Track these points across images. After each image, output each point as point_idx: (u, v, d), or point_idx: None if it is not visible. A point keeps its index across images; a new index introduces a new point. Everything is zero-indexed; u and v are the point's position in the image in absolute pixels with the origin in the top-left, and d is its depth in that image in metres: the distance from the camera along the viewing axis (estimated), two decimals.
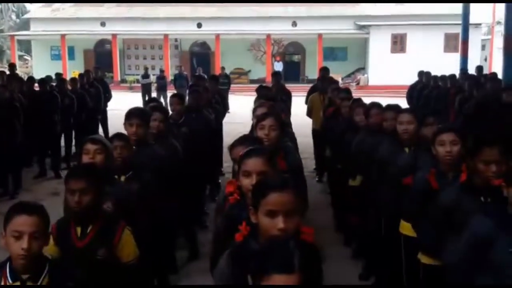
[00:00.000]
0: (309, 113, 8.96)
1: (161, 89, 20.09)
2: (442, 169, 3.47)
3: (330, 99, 7.58)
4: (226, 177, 8.76)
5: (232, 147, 3.15)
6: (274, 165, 2.64)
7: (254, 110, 4.57)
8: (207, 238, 5.95)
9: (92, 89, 11.44)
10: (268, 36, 29.85)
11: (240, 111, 17.52)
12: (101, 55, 32.15)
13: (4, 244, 2.30)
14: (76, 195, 2.76)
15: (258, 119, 3.77)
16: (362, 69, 30.62)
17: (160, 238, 4.13)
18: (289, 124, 5.21)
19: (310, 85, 11.39)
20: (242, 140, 3.17)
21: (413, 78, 13.41)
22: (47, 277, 2.30)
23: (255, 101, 5.78)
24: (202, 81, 8.66)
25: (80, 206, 2.77)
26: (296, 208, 2.00)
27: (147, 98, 19.68)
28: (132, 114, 4.27)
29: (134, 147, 4.04)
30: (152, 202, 3.79)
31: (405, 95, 13.12)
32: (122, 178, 3.71)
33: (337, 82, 9.63)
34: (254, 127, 3.92)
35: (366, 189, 4.88)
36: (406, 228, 3.80)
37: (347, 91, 6.95)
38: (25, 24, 36.85)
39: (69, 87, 10.95)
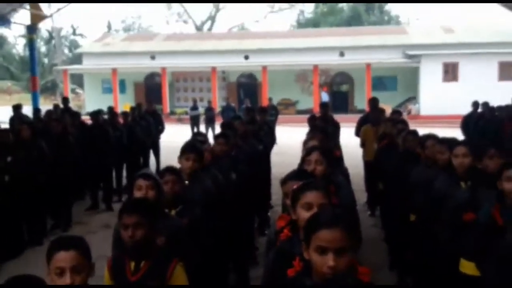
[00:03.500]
0: (363, 145, 8.80)
1: (209, 120, 20.33)
2: (508, 205, 3.28)
3: (384, 130, 7.43)
4: (274, 210, 8.66)
5: (284, 181, 3.10)
6: (328, 199, 2.58)
7: (305, 142, 4.50)
8: (257, 273, 5.87)
9: (143, 122, 11.64)
10: (315, 66, 29.89)
11: (287, 142, 17.49)
12: (151, 88, 32.95)
13: (50, 282, 2.29)
14: (130, 230, 2.78)
15: (305, 153, 3.73)
16: (413, 98, 30.12)
17: (211, 273, 4.07)
18: (341, 158, 5.11)
19: (359, 115, 11.24)
20: (294, 175, 3.12)
21: (466, 108, 13.05)
22: None
23: (308, 133, 5.70)
24: (252, 113, 8.68)
25: (133, 240, 2.77)
26: (348, 246, 1.96)
27: (195, 129, 20.01)
28: (188, 149, 4.30)
29: (186, 181, 4.04)
30: (202, 237, 3.76)
31: (458, 125, 12.76)
32: (173, 212, 3.69)
33: (398, 112, 9.38)
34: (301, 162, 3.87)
35: (422, 225, 4.69)
36: (467, 267, 3.60)
37: (403, 122, 6.80)
38: (77, 58, 38.31)
39: (121, 120, 11.22)
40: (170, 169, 3.85)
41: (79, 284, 2.26)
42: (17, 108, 11.41)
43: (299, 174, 3.17)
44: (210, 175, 4.61)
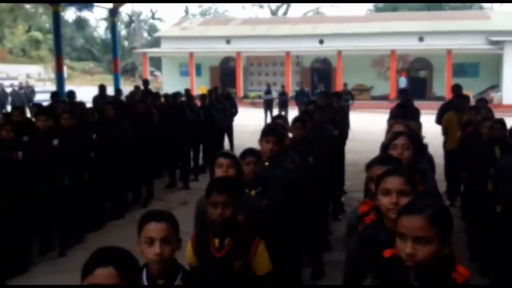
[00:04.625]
0: (445, 133, 8.51)
1: (283, 105, 20.35)
2: None
3: (468, 118, 7.14)
4: (348, 196, 8.60)
5: (369, 166, 3.06)
6: (415, 186, 2.52)
7: (388, 129, 4.41)
8: (330, 257, 5.87)
9: (219, 105, 11.85)
10: (393, 51, 29.10)
11: (361, 129, 17.25)
12: (225, 72, 33.39)
13: (140, 251, 2.39)
14: (219, 208, 2.84)
15: (390, 138, 3.65)
16: (495, 86, 28.71)
17: (287, 255, 4.10)
18: (426, 145, 4.97)
19: (437, 102, 10.86)
20: (380, 159, 3.07)
21: None
22: (180, 283, 2.37)
23: (389, 121, 5.59)
24: (328, 98, 8.59)
25: (222, 218, 2.83)
26: (429, 236, 1.94)
27: (268, 113, 20.11)
28: (269, 132, 4.34)
29: (266, 163, 4.09)
30: (281, 219, 3.79)
31: None
32: (252, 193, 3.75)
33: (483, 100, 8.99)
34: (386, 147, 3.79)
35: (507, 216, 4.50)
36: None
37: (488, 110, 6.51)
38: (156, 42, 39.34)
39: (198, 102, 11.46)
40: (251, 151, 3.90)
41: (167, 256, 2.34)
42: (102, 88, 11.91)
43: (384, 159, 3.12)
44: (289, 158, 4.63)
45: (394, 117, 6.15)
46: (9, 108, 22.83)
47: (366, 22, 32.28)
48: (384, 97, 29.10)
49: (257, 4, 52.84)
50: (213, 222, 2.88)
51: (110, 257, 1.80)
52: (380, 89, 30.34)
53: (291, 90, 27.21)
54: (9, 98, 24.10)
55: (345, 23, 32.22)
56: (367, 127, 17.80)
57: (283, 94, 20.99)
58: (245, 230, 3.03)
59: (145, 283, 2.36)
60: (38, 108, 7.55)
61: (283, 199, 3.92)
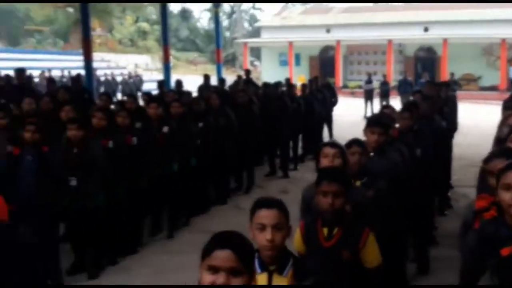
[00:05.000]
0: None
1: (384, 95, 19.84)
2: None
3: None
4: (454, 191, 8.26)
5: (489, 159, 2.92)
6: None
7: (503, 121, 4.19)
8: (437, 253, 5.69)
9: (319, 94, 11.80)
10: (503, 40, 27.34)
11: (468, 121, 16.42)
12: (325, 61, 33.11)
13: (251, 237, 2.45)
14: (329, 197, 2.85)
15: (510, 130, 3.46)
16: None
17: (392, 247, 4.04)
18: None
19: None
20: (500, 153, 2.92)
21: None
22: (291, 269, 2.39)
23: (503, 112, 5.30)
24: (435, 88, 8.26)
25: (333, 208, 2.84)
26: None
27: (369, 104, 19.70)
28: (375, 122, 4.28)
29: (371, 153, 4.04)
30: (386, 211, 3.73)
31: None
32: (358, 183, 3.72)
33: None
34: (502, 140, 3.60)
35: None
36: None
37: None
38: (256, 32, 39.80)
39: (299, 92, 11.48)
40: (357, 141, 3.86)
41: (278, 242, 2.38)
42: (206, 78, 12.30)
43: (505, 152, 2.96)
44: (395, 149, 4.54)
45: (508, 108, 5.81)
46: (119, 96, 24.24)
47: (474, 9, 30.56)
48: (493, 88, 27.48)
49: None
50: (322, 211, 2.89)
51: (229, 240, 1.85)
52: (489, 79, 28.66)
53: (392, 80, 26.46)
54: (119, 87, 25.53)
55: (450, 10, 30.70)
56: (474, 119, 16.92)
57: (384, 84, 20.46)
58: (353, 220, 3.02)
59: (257, 268, 2.41)
60: (149, 97, 7.94)
61: (389, 191, 3.85)
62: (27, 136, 4.77)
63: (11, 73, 10.39)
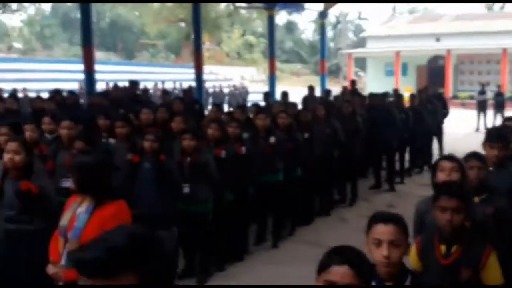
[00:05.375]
0: None
1: (499, 106, 18.75)
2: None
3: None
4: None
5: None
6: None
7: None
8: None
9: (429, 105, 11.40)
10: None
11: None
12: (433, 71, 31.93)
13: (367, 251, 2.41)
14: (448, 213, 2.75)
15: None
16: None
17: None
18: None
19: None
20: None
21: None
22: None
23: None
24: None
25: (452, 224, 2.74)
26: None
27: (482, 115, 18.65)
28: (495, 137, 4.08)
29: (490, 168, 3.85)
30: (507, 229, 3.53)
31: None
32: (476, 199, 3.55)
33: None
34: None
35: None
36: None
37: None
38: (361, 42, 39.33)
39: (407, 103, 11.17)
40: (475, 155, 3.69)
41: (394, 259, 2.30)
42: (311, 89, 12.35)
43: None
44: None
45: None
46: (225, 107, 24.96)
47: None
48: None
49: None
50: (440, 227, 2.79)
51: (346, 256, 1.84)
52: None
53: (508, 90, 24.92)
54: (226, 98, 26.31)
55: None
56: None
57: (499, 95, 19.34)
58: (473, 238, 2.89)
59: (374, 284, 2.35)
60: (257, 108, 8.11)
61: (511, 208, 3.64)
62: (146, 145, 5.05)
63: (127, 85, 11.10)
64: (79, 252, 1.10)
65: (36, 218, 3.86)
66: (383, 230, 2.31)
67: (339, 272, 1.77)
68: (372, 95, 10.73)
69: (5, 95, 12.15)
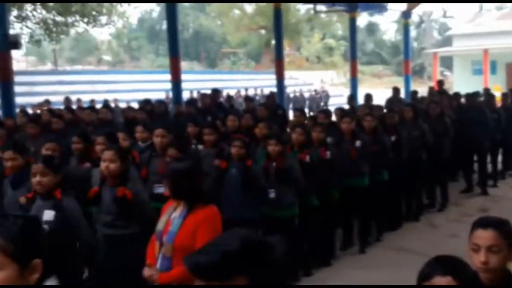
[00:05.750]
0: None
1: None
2: None
3: None
4: None
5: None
6: None
7: None
8: None
9: None
10: None
11: None
12: None
13: (469, 255, 2.33)
14: None
15: None
16: None
17: None
18: None
19: None
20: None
21: None
22: None
23: None
24: None
25: None
26: None
27: None
28: None
29: None
30: None
31: None
32: None
33: None
34: None
35: None
36: None
37: None
38: (446, 41, 37.99)
39: (498, 102, 10.65)
40: None
41: (493, 265, 2.22)
42: (396, 90, 12.10)
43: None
44: None
45: None
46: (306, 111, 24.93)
47: None
48: None
49: None
50: None
51: (450, 266, 1.79)
52: None
53: None
54: (307, 103, 26.29)
55: None
56: None
57: None
58: None
59: None
60: (342, 111, 8.06)
61: None
62: (233, 151, 5.16)
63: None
64: (195, 256, 1.16)
65: (131, 223, 4.04)
66: (481, 235, 2.25)
67: (441, 283, 1.73)
68: (468, 95, 10.31)
69: (98, 106, 12.86)
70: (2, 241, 1.51)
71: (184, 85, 13.67)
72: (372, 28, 52.80)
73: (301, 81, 35.62)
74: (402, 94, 14.28)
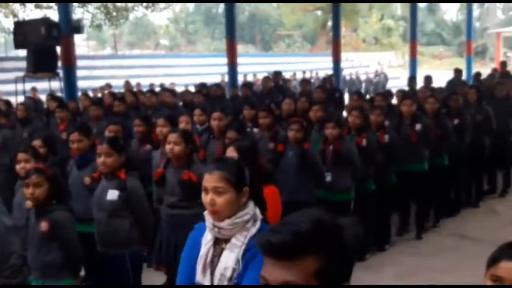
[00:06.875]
0: None
1: None
2: None
3: None
4: None
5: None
6: None
7: None
8: None
9: None
10: None
11: None
12: None
13: None
14: None
15: None
16: None
17: None
18: None
19: None
20: None
21: None
22: None
23: None
24: None
25: None
26: None
27: None
28: None
29: None
30: None
31: None
32: None
33: None
34: None
35: None
36: None
37: None
38: (510, 21, 36.33)
39: None
40: None
41: None
42: (458, 72, 11.74)
43: None
44: None
45: None
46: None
47: None
48: None
49: None
50: None
51: None
52: None
53: None
54: (363, 85, 25.85)
55: None
56: None
57: None
58: None
59: None
60: (403, 93, 7.88)
61: None
62: (291, 134, 5.15)
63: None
64: (267, 235, 1.18)
65: (194, 204, 4.13)
66: None
67: (508, 268, 1.69)
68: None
69: (157, 89, 13.11)
70: (227, 174, 2.13)
71: (239, 69, 13.72)
72: (433, 8, 51.11)
73: (357, 63, 35.01)
74: (464, 76, 13.80)
